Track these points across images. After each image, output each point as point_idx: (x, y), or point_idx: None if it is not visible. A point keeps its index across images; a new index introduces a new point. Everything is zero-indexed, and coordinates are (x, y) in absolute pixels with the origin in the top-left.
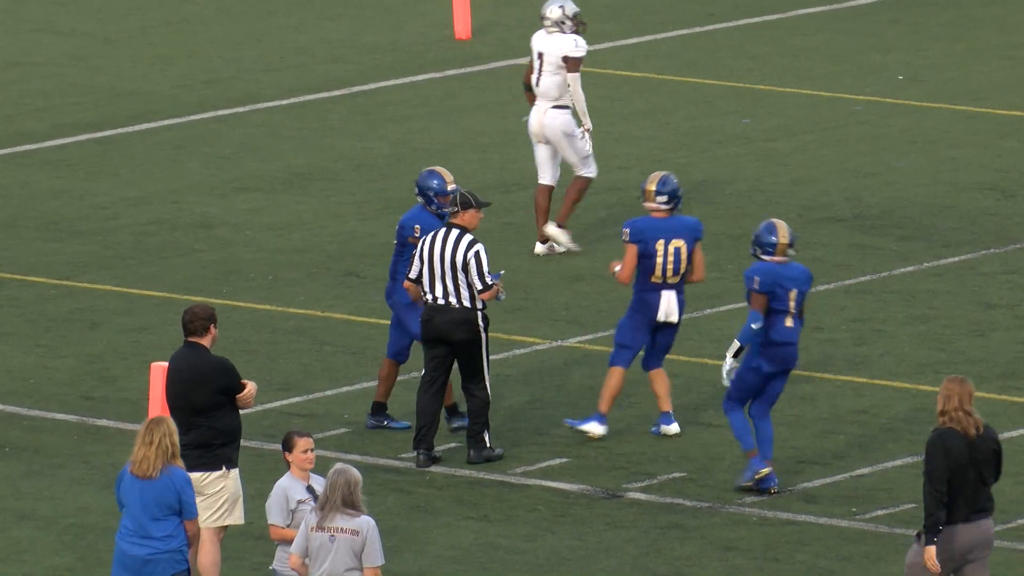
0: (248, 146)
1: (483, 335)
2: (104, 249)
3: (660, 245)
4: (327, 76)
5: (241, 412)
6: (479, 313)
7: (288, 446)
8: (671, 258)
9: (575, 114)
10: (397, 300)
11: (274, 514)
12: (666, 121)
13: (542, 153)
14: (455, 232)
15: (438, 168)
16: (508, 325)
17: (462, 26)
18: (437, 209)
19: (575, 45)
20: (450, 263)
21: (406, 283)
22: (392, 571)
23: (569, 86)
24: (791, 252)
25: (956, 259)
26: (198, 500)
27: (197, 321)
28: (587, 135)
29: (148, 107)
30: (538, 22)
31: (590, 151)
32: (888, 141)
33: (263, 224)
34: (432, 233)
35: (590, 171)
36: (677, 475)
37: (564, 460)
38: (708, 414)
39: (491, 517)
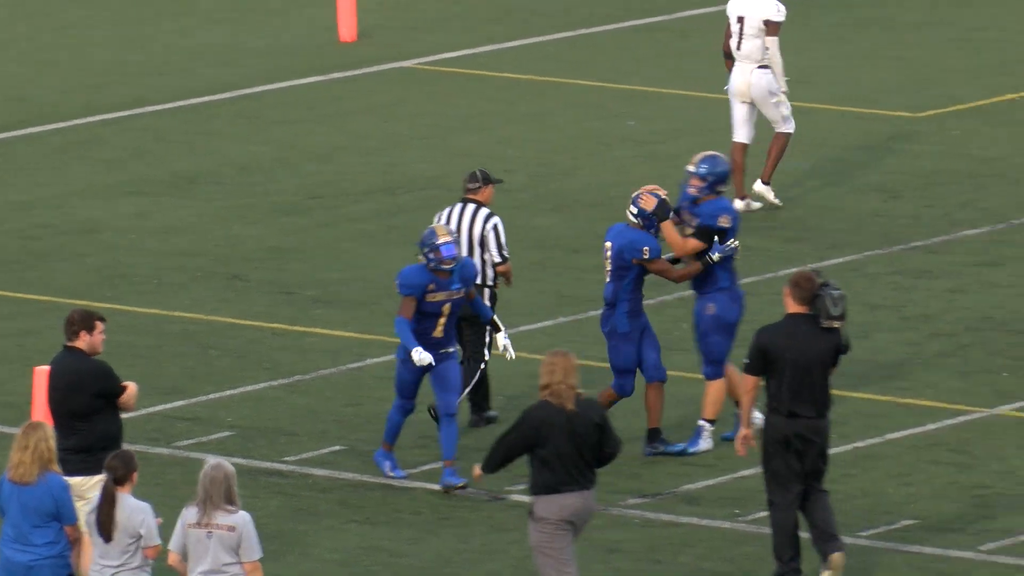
0: (133, 150)
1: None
2: None
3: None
4: (212, 80)
5: (125, 416)
6: (488, 290)
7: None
8: None
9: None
10: (613, 328)
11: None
12: (552, 124)
13: (741, 112)
14: (471, 207)
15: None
16: (392, 328)
17: (347, 29)
18: (656, 233)
19: (776, 10)
20: (467, 237)
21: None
22: (276, 574)
23: (767, 48)
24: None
25: (842, 260)
26: (80, 504)
27: (74, 326)
28: (784, 96)
29: (33, 112)
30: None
31: (789, 110)
32: None
33: (148, 228)
34: (448, 209)
35: (790, 127)
36: None
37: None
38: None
39: (375, 520)
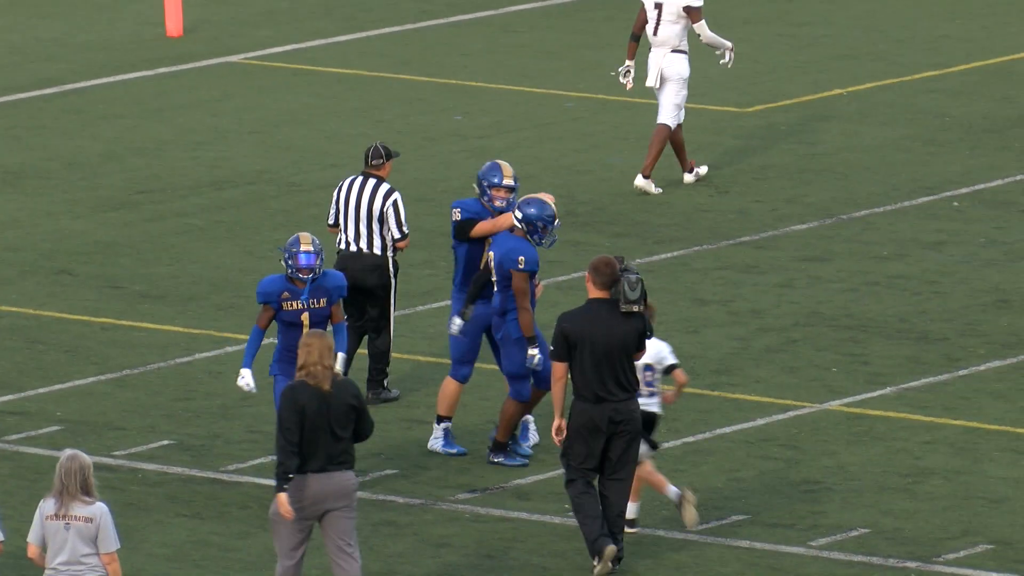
0: None
1: (392, 280)
2: None
3: None
4: (39, 74)
5: None
6: (390, 259)
7: None
8: None
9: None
10: (506, 335)
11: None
12: (379, 119)
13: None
14: (372, 181)
15: (544, 196)
16: (221, 323)
17: (174, 24)
18: (539, 240)
19: None
20: (366, 212)
21: (328, 228)
22: None
23: (699, 35)
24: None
25: (669, 255)
26: None
27: None
28: (730, 53)
29: None
30: None
31: (683, 102)
32: (601, 138)
33: None
34: (348, 181)
35: (674, 120)
36: (389, 472)
37: (275, 457)
38: (420, 411)
39: (204, 515)
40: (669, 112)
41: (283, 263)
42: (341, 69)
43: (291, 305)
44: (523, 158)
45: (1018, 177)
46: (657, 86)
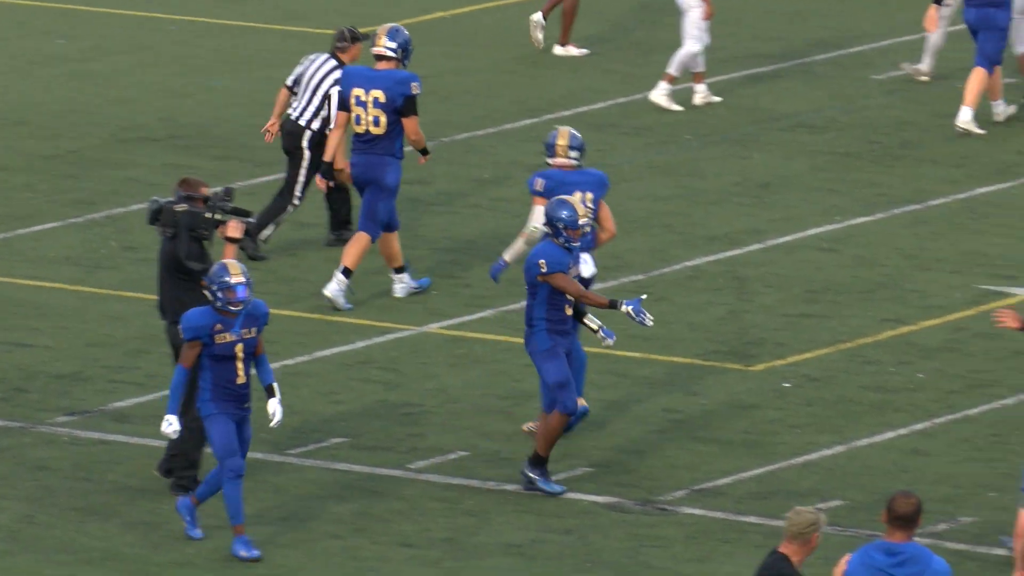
0: None
1: (307, 152)
2: None
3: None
4: None
5: None
6: (310, 132)
7: None
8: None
9: None
10: (534, 347)
11: None
12: None
13: None
14: (332, 62)
15: (569, 198)
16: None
17: None
18: (565, 242)
19: None
20: (314, 85)
21: (284, 87)
22: None
23: None
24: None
25: (269, 178)
26: None
27: None
28: None
29: None
30: None
31: None
32: (202, 61)
33: None
34: (315, 55)
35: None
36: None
37: None
38: (19, 334)
39: None
40: None
41: (210, 295)
42: None
43: (224, 338)
44: (125, 82)
45: (620, 100)
46: None
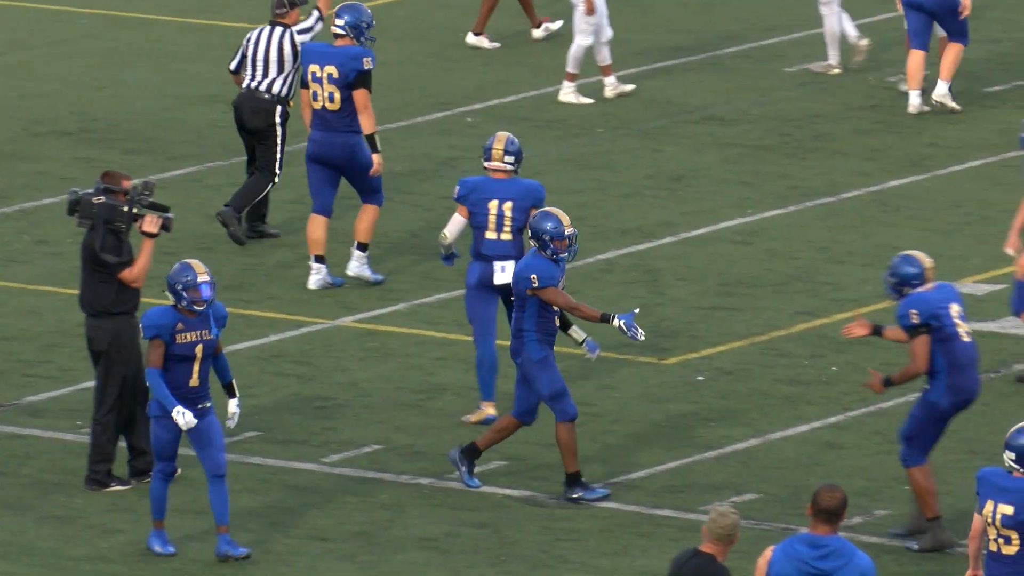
0: None
1: (280, 128)
2: None
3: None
4: None
5: None
6: (279, 107)
7: None
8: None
9: None
10: (526, 358)
11: None
12: None
13: None
14: (279, 29)
15: (553, 210)
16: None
17: None
18: (553, 254)
19: None
20: (264, 55)
21: (231, 75)
22: None
23: None
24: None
25: (182, 172)
26: None
27: None
28: None
29: None
30: None
31: None
32: (116, 54)
33: None
34: (257, 30)
35: None
36: None
37: None
38: None
39: None
40: None
41: (171, 295)
42: None
43: (184, 338)
44: (36, 75)
45: (531, 93)
46: None
